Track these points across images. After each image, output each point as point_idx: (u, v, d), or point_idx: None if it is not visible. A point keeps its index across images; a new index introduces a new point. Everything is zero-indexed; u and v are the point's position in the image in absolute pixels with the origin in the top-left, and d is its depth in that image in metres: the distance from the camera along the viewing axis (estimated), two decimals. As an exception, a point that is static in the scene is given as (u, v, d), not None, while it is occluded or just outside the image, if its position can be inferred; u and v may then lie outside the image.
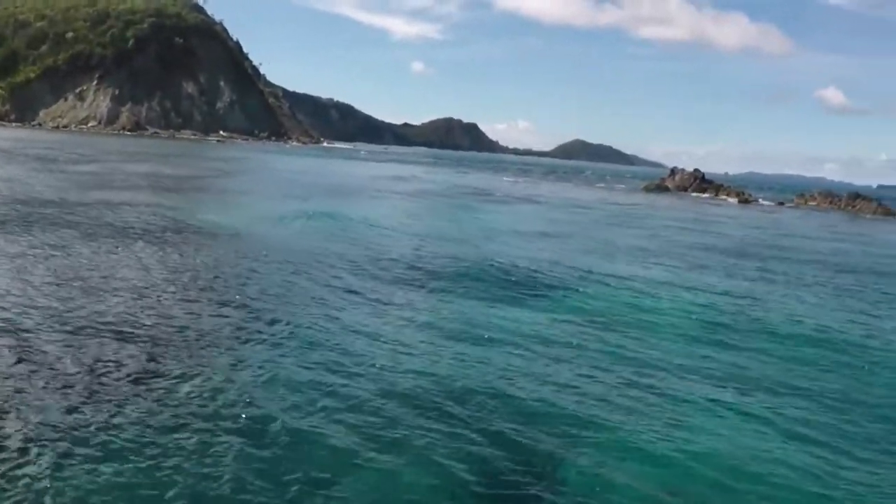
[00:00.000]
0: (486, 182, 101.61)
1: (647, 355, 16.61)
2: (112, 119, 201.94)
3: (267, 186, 59.31)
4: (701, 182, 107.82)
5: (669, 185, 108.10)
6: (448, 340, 16.58)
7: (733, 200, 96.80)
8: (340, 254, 26.94)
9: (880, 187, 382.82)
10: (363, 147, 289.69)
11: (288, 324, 16.63)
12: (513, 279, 24.53)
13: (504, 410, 12.50)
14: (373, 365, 14.24)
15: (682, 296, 24.23)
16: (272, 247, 27.13)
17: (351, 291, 20.81)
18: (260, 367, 13.58)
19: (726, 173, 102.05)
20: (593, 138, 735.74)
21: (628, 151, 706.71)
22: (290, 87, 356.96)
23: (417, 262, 26.53)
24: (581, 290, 23.76)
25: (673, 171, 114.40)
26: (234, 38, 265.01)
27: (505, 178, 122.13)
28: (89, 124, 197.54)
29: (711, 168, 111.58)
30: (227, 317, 16.92)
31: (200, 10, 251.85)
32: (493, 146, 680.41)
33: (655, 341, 17.99)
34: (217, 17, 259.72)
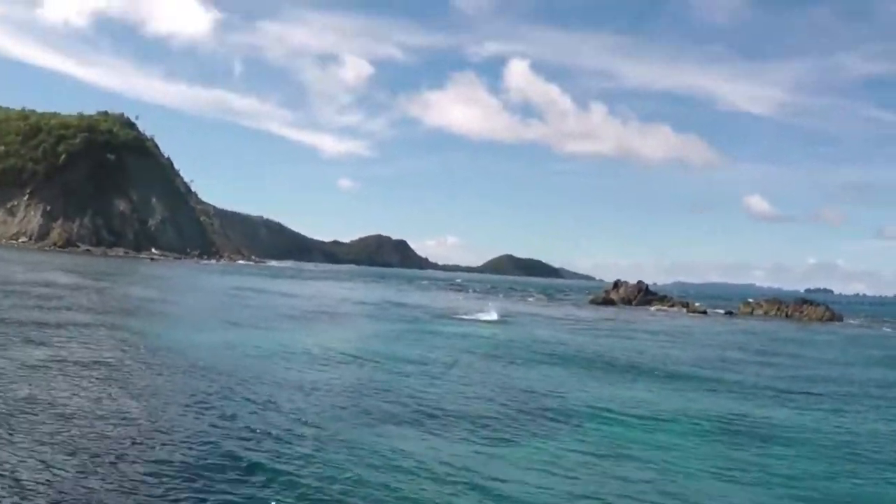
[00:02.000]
0: (436, 300, 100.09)
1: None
2: (43, 235, 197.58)
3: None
4: (645, 294, 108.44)
5: (614, 298, 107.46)
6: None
7: (683, 311, 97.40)
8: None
9: (807, 291, 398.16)
10: (296, 266, 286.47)
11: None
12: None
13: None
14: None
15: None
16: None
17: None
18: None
19: (654, 283, 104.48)
20: (521, 252, 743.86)
21: (556, 265, 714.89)
22: (220, 205, 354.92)
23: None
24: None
25: (616, 284, 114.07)
26: (166, 155, 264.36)
27: (457, 296, 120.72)
28: (20, 240, 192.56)
29: (638, 279, 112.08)
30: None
31: (132, 126, 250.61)
32: (422, 263, 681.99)
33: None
34: (148, 133, 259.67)
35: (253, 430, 16.66)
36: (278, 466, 14.18)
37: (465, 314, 63.26)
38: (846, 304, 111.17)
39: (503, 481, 14.47)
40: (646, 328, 62.47)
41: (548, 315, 73.43)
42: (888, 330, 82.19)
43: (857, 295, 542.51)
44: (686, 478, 15.65)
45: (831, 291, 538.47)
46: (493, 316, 61.35)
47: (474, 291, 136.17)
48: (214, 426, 16.91)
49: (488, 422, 19.84)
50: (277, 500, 12.48)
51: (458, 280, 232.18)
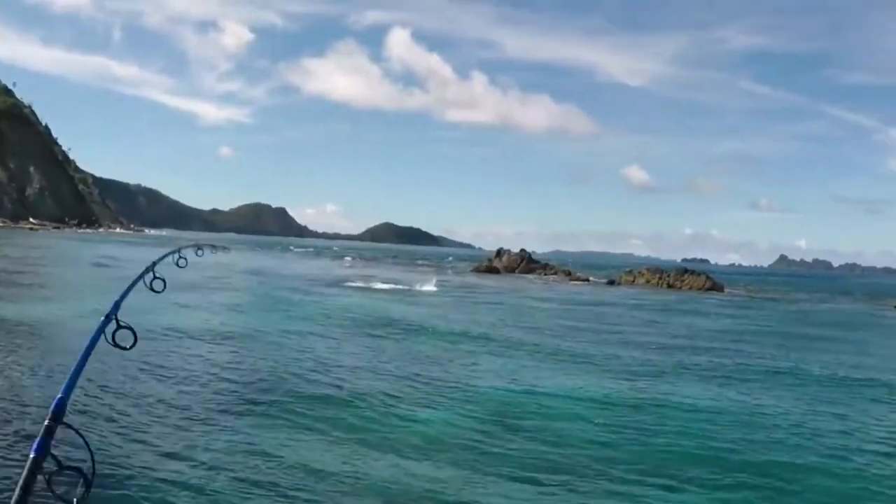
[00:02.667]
0: (319, 268, 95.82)
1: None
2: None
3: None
4: (528, 262, 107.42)
5: (498, 266, 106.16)
6: None
7: (566, 279, 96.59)
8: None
9: (684, 261, 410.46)
10: (174, 234, 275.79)
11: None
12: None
13: None
14: None
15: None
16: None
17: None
18: None
19: (534, 252, 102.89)
20: (402, 221, 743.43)
21: (436, 233, 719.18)
22: (99, 173, 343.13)
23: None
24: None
25: (499, 253, 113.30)
26: (44, 123, 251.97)
27: (343, 263, 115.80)
28: None
29: (518, 248, 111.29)
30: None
31: (9, 92, 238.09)
32: (301, 231, 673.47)
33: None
34: (26, 101, 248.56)
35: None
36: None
37: (357, 282, 63.13)
38: (722, 274, 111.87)
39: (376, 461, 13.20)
40: (536, 295, 61.52)
41: (444, 282, 69.42)
42: (770, 300, 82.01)
43: (733, 265, 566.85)
44: (574, 448, 14.66)
45: (707, 261, 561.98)
46: (432, 287, 61.45)
47: (361, 259, 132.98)
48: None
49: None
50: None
51: (335, 248, 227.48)
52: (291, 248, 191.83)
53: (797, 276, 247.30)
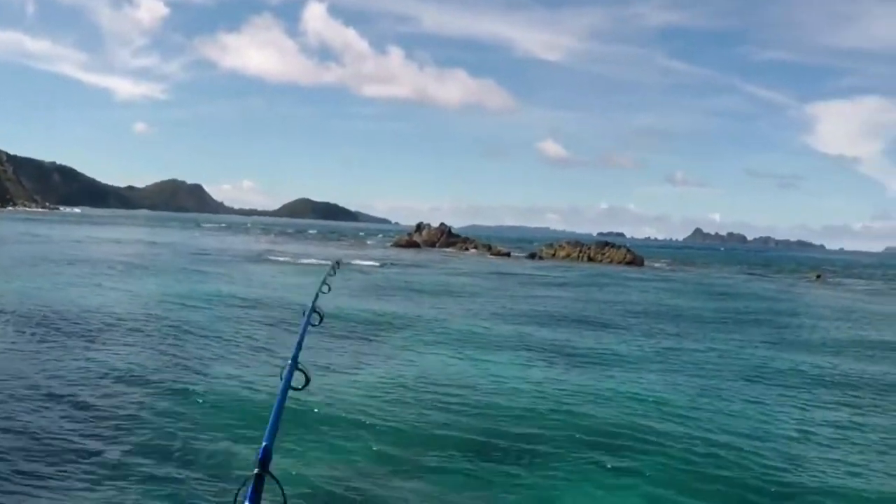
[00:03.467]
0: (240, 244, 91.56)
1: None
2: None
3: None
4: (448, 236, 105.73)
5: (418, 240, 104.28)
6: None
7: (486, 253, 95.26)
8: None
9: (600, 235, 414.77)
10: (88, 212, 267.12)
11: None
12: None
13: None
14: None
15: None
16: None
17: None
18: None
19: (451, 227, 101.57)
20: (318, 196, 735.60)
21: (353, 208, 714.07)
22: (13, 151, 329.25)
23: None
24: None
25: (419, 227, 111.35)
26: None
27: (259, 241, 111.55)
28: None
29: (435, 222, 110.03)
30: None
31: None
32: (218, 207, 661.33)
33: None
34: None
35: None
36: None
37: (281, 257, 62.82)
38: (638, 247, 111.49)
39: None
40: (460, 270, 60.24)
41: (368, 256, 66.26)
42: (690, 274, 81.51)
43: (648, 238, 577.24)
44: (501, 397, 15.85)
45: (623, 235, 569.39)
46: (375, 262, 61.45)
47: (279, 235, 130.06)
48: None
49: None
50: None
51: (248, 224, 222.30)
52: (203, 224, 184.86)
53: (713, 250, 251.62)
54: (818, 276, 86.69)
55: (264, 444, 2.34)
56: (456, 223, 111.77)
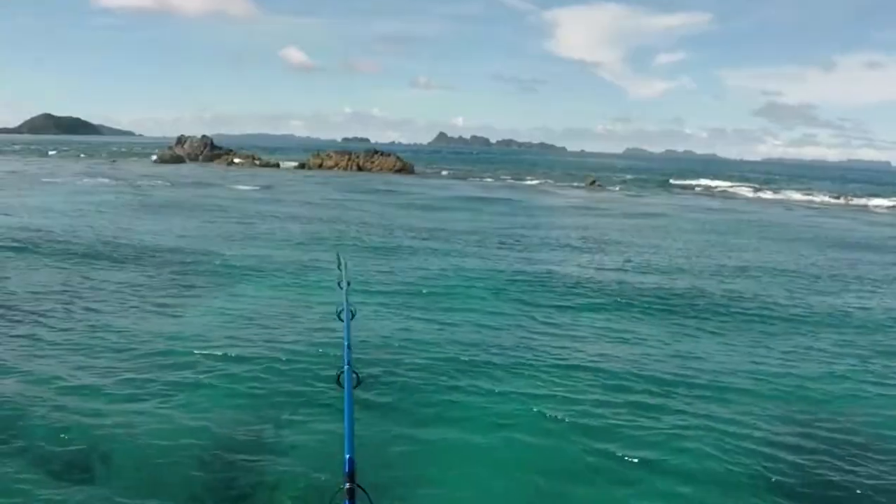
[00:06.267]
0: None
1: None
2: None
3: None
4: (211, 148, 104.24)
5: (182, 154, 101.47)
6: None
7: (255, 164, 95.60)
8: None
9: (345, 140, 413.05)
10: None
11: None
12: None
13: None
14: None
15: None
16: None
17: None
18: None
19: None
20: (60, 111, 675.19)
21: (96, 122, 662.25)
22: None
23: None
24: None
25: (180, 140, 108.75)
26: None
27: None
28: None
29: (178, 133, 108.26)
30: None
31: None
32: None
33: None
34: None
35: None
36: None
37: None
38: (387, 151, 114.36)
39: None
40: (243, 184, 58.85)
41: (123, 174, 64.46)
42: (459, 179, 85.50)
43: (393, 143, 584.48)
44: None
45: (368, 140, 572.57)
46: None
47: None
48: None
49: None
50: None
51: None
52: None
53: (461, 153, 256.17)
54: (592, 183, 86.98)
55: (347, 455, 2.26)
56: (199, 132, 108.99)
